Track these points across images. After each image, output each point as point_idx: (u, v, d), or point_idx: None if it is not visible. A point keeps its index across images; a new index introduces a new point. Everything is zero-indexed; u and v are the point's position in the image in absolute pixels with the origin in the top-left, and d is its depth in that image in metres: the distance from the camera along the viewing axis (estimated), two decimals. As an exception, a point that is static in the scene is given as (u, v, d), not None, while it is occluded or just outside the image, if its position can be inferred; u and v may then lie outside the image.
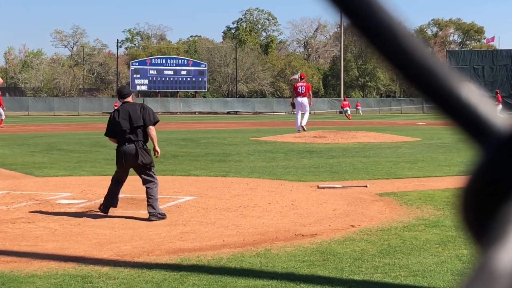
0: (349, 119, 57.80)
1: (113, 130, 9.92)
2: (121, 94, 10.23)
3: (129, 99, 10.08)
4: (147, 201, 9.71)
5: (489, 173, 0.38)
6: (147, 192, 9.73)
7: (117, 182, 9.96)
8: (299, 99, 28.51)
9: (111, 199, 9.83)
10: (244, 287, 6.07)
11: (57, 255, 7.45)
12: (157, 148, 10.00)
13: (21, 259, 7.24)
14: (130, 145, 9.72)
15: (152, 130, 9.85)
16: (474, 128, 0.40)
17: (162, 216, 9.58)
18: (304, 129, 28.41)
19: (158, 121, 10.08)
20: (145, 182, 9.82)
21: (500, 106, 46.45)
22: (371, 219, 9.43)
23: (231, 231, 8.64)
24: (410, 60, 0.39)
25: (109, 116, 10.15)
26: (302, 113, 29.00)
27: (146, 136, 9.83)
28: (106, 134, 10.13)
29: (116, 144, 10.00)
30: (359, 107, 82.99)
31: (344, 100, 67.27)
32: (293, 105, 29.16)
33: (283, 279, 6.35)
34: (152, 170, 9.92)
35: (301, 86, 28.77)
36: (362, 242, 7.95)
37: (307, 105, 28.79)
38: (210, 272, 6.64)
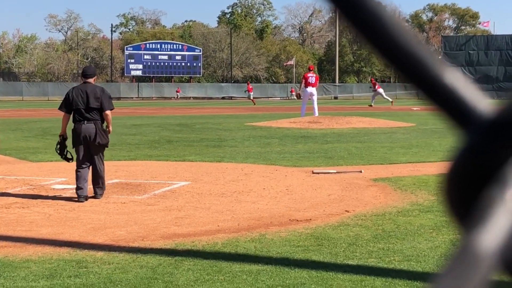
0: (254, 104, 58.13)
1: (68, 107, 9.98)
2: (85, 73, 10.34)
3: (91, 80, 10.19)
4: (97, 183, 9.89)
5: (472, 157, 0.39)
6: (99, 174, 9.92)
7: (82, 169, 9.95)
8: (309, 89, 29.02)
9: (83, 186, 9.83)
10: (238, 272, 6.10)
11: (52, 240, 7.46)
12: (111, 128, 10.23)
13: (16, 244, 7.25)
14: (89, 124, 9.84)
15: (108, 114, 10.03)
16: (458, 113, 0.41)
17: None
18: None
19: (113, 108, 10.26)
20: (97, 162, 9.94)
21: (381, 89, 46.57)
22: (365, 204, 9.46)
23: (226, 216, 8.66)
24: (395, 46, 0.40)
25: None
26: (308, 103, 29.56)
27: (102, 118, 9.99)
28: (59, 108, 10.18)
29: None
30: (293, 93, 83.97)
31: (248, 84, 68.75)
32: (299, 96, 29.71)
33: (277, 264, 6.37)
34: (103, 151, 10.14)
35: (311, 76, 29.36)
36: (356, 227, 7.98)
37: (316, 94, 29.50)
38: (205, 257, 6.67)
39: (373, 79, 58.86)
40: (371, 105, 43.37)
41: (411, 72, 0.40)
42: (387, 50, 0.40)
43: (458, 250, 0.36)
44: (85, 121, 9.81)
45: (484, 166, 0.38)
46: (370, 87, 47.38)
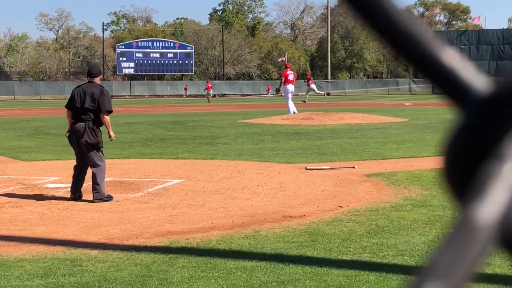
0: (209, 102, 58.48)
1: (69, 105, 9.95)
2: (90, 72, 10.27)
3: (97, 80, 10.11)
4: (92, 185, 9.72)
5: (469, 134, 0.40)
6: (93, 176, 9.72)
7: (77, 167, 9.94)
8: (290, 86, 29.29)
9: (74, 183, 9.83)
10: (233, 269, 6.10)
11: (46, 239, 7.45)
12: (111, 133, 10.03)
13: (10, 243, 7.24)
14: (80, 123, 9.77)
15: (104, 118, 9.85)
16: (455, 91, 0.41)
17: (107, 199, 9.61)
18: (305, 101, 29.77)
19: (111, 111, 10.06)
20: (91, 164, 9.81)
21: (313, 85, 46.82)
22: (359, 200, 9.48)
23: (219, 214, 8.67)
24: (395, 27, 0.40)
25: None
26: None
27: (98, 119, 9.84)
28: (66, 106, 10.13)
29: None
30: (269, 90, 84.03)
31: (207, 82, 69.24)
32: (278, 91, 30.05)
33: (272, 260, 6.38)
34: (100, 152, 9.90)
35: (291, 74, 29.74)
36: (350, 222, 8.00)
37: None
38: (199, 254, 6.67)
39: (308, 74, 58.82)
40: (304, 101, 43.74)
41: (408, 50, 0.41)
42: (385, 29, 0.41)
43: (456, 223, 0.37)
44: (78, 122, 9.76)
45: (481, 142, 0.39)
46: (305, 81, 47.56)
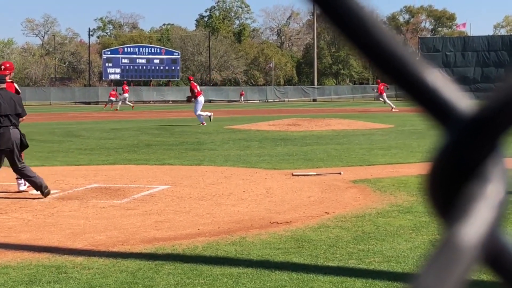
0: (111, 109, 55.88)
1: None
2: (1, 80, 10.51)
3: (4, 85, 10.41)
4: (29, 180, 10.20)
5: (452, 154, 0.40)
6: (26, 173, 10.20)
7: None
8: (201, 98, 29.89)
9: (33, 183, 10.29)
10: (219, 275, 6.09)
11: (31, 245, 7.41)
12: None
13: (-5, 250, 7.19)
14: (15, 130, 10.19)
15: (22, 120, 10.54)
16: (438, 111, 0.41)
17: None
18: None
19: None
20: (19, 165, 10.20)
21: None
22: (345, 206, 9.49)
23: (206, 220, 8.65)
24: (379, 47, 0.41)
25: None
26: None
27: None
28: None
29: None
30: (242, 96, 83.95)
31: (123, 85, 63.84)
32: (190, 99, 30.56)
33: (258, 266, 6.38)
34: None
35: (197, 85, 30.84)
36: (336, 228, 8.01)
37: None
38: (185, 260, 6.65)
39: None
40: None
41: (392, 71, 0.41)
42: (368, 49, 0.41)
43: (440, 243, 0.37)
44: (11, 127, 10.24)
45: (465, 162, 0.39)
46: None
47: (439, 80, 0.41)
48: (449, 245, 0.36)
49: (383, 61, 0.40)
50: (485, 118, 0.39)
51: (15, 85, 11.37)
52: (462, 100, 0.42)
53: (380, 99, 48.05)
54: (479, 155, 0.39)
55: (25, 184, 11.02)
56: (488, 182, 0.38)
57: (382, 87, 48.43)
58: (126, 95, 57.60)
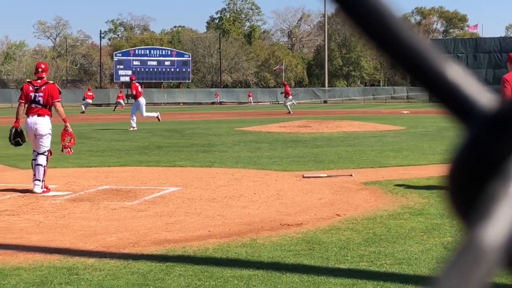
0: (114, 111, 56.64)
1: None
2: None
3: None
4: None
5: (474, 152, 0.39)
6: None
7: None
8: (142, 99, 29.68)
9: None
10: (230, 277, 6.08)
11: (43, 247, 7.43)
12: None
13: (6, 252, 7.21)
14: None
15: None
16: (459, 107, 0.40)
17: None
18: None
19: None
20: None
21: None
22: (356, 208, 9.46)
23: (216, 222, 8.64)
24: (397, 41, 0.39)
25: None
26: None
27: None
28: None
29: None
30: (250, 97, 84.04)
31: (120, 92, 66.14)
32: (131, 97, 30.53)
33: (269, 268, 6.36)
34: None
35: (139, 86, 30.94)
36: (347, 231, 7.98)
37: None
38: (196, 262, 6.65)
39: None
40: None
41: (412, 66, 0.40)
42: (385, 43, 0.40)
43: (461, 245, 0.36)
44: None
45: (487, 160, 0.38)
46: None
47: (459, 75, 0.40)
48: (470, 247, 0.35)
49: (401, 56, 0.39)
50: (508, 114, 0.38)
51: (56, 85, 11.73)
52: (484, 96, 0.40)
53: (288, 102, 47.60)
54: (501, 152, 0.37)
55: (42, 187, 11.10)
56: (511, 181, 0.36)
57: (289, 89, 48.19)
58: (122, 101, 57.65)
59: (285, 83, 52.49)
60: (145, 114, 29.75)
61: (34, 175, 11.15)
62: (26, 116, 11.40)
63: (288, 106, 46.85)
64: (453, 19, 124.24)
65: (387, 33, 0.39)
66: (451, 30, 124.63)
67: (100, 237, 7.85)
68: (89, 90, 58.16)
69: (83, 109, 53.10)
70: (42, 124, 11.27)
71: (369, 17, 0.39)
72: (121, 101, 60.45)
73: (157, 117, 30.43)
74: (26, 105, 11.41)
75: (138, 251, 7.15)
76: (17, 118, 11.56)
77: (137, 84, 30.27)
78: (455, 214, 0.41)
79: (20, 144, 11.71)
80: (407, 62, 0.40)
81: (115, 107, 60.81)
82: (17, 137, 11.61)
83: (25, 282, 6.06)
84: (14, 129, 11.64)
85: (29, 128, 11.33)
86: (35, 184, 11.10)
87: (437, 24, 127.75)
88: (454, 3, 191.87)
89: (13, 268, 6.53)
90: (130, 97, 30.83)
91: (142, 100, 29.43)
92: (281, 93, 51.00)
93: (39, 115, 11.30)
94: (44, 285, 5.95)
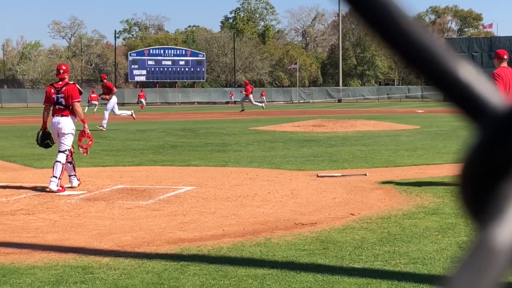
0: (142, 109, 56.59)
1: None
2: None
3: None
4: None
5: (486, 152, 0.39)
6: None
7: None
8: (114, 98, 29.70)
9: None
10: (244, 276, 6.09)
11: (58, 246, 7.46)
12: None
13: (22, 251, 7.25)
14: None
15: None
16: (471, 107, 0.40)
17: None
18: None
19: None
20: None
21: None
22: (370, 207, 9.44)
23: (231, 221, 8.65)
24: (409, 41, 0.39)
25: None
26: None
27: None
28: None
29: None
30: (263, 97, 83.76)
31: (141, 90, 66.70)
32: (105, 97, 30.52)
33: (283, 268, 6.36)
34: None
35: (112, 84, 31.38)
36: (362, 230, 7.96)
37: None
38: (211, 261, 6.66)
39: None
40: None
41: (425, 66, 0.40)
42: (400, 45, 0.40)
43: (473, 245, 0.36)
44: None
45: (499, 160, 0.38)
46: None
47: (471, 75, 0.40)
48: (482, 247, 0.35)
49: (413, 56, 0.39)
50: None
51: (77, 85, 12.01)
52: (496, 96, 0.40)
53: (246, 100, 47.19)
54: (513, 152, 0.37)
55: (57, 185, 11.28)
56: (523, 181, 0.36)
57: (250, 88, 47.82)
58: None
59: (246, 82, 52.05)
60: (118, 112, 29.87)
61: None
62: (51, 117, 11.77)
63: (242, 105, 46.76)
64: (468, 18, 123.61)
65: (399, 34, 0.39)
66: (465, 29, 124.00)
67: (115, 236, 7.88)
68: (93, 92, 57.37)
69: (86, 110, 52.76)
70: (65, 124, 11.60)
71: (381, 18, 0.39)
72: (143, 100, 60.77)
73: (131, 115, 30.46)
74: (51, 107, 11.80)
75: (153, 250, 7.17)
76: (43, 121, 11.93)
77: (109, 82, 30.52)
78: (467, 213, 0.41)
79: (50, 146, 11.94)
80: (419, 62, 0.39)
81: (142, 106, 61.26)
82: (45, 139, 11.87)
83: (40, 281, 6.09)
84: (41, 132, 11.95)
85: (53, 128, 11.70)
86: (51, 181, 11.21)
87: (451, 23, 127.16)
88: (469, 2, 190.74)
89: (28, 267, 6.57)
90: (102, 98, 30.73)
91: (114, 99, 29.49)
92: (241, 91, 50.74)
93: (62, 115, 11.65)
94: (59, 284, 5.97)
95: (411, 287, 5.78)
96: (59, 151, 11.52)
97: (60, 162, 11.36)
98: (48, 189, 11.16)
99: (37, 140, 12.01)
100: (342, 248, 7.10)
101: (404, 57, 0.39)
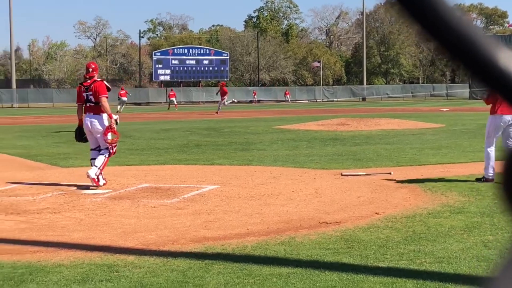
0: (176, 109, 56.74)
1: None
2: None
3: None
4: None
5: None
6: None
7: None
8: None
9: None
10: (268, 275, 6.08)
11: (83, 244, 7.51)
12: None
13: (48, 249, 7.31)
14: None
15: None
16: (512, 95, 0.39)
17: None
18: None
19: None
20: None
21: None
22: (395, 206, 9.39)
23: (255, 220, 8.65)
24: (450, 29, 0.39)
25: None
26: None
27: None
28: None
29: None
30: (288, 96, 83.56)
31: (171, 90, 66.73)
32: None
33: (307, 266, 6.35)
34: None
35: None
36: (386, 229, 7.92)
37: None
38: (235, 260, 6.66)
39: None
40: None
41: (461, 53, 0.39)
42: (440, 34, 0.39)
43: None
44: None
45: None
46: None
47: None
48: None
49: (452, 43, 0.38)
50: None
51: (105, 82, 12.42)
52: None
53: (225, 102, 46.89)
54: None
55: (96, 174, 11.57)
56: None
57: (225, 89, 47.52)
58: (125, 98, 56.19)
59: (223, 83, 51.88)
60: None
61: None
62: (84, 115, 12.12)
63: (221, 106, 46.61)
64: (493, 16, 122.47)
65: (438, 21, 0.39)
66: (491, 27, 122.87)
67: (140, 234, 7.91)
68: (121, 89, 57.25)
69: (119, 109, 52.66)
70: (96, 122, 11.92)
71: (421, 6, 0.38)
72: (174, 99, 61.02)
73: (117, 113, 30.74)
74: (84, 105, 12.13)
75: (178, 248, 7.19)
76: (79, 119, 12.32)
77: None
78: (508, 211, 0.39)
79: (87, 141, 12.28)
80: (456, 48, 0.39)
81: (169, 106, 61.25)
82: (82, 134, 12.27)
83: (66, 279, 6.13)
84: (78, 129, 12.36)
85: (86, 126, 12.03)
86: (93, 166, 11.67)
87: (476, 21, 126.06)
88: (494, 0, 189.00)
89: (54, 265, 6.62)
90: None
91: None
92: (216, 93, 50.49)
93: (94, 113, 11.96)
94: (85, 282, 6.01)
95: (437, 286, 5.73)
96: (102, 148, 11.95)
97: (103, 154, 11.71)
98: (86, 174, 11.43)
99: (75, 137, 12.52)
100: (366, 247, 7.07)
101: (443, 45, 0.39)
